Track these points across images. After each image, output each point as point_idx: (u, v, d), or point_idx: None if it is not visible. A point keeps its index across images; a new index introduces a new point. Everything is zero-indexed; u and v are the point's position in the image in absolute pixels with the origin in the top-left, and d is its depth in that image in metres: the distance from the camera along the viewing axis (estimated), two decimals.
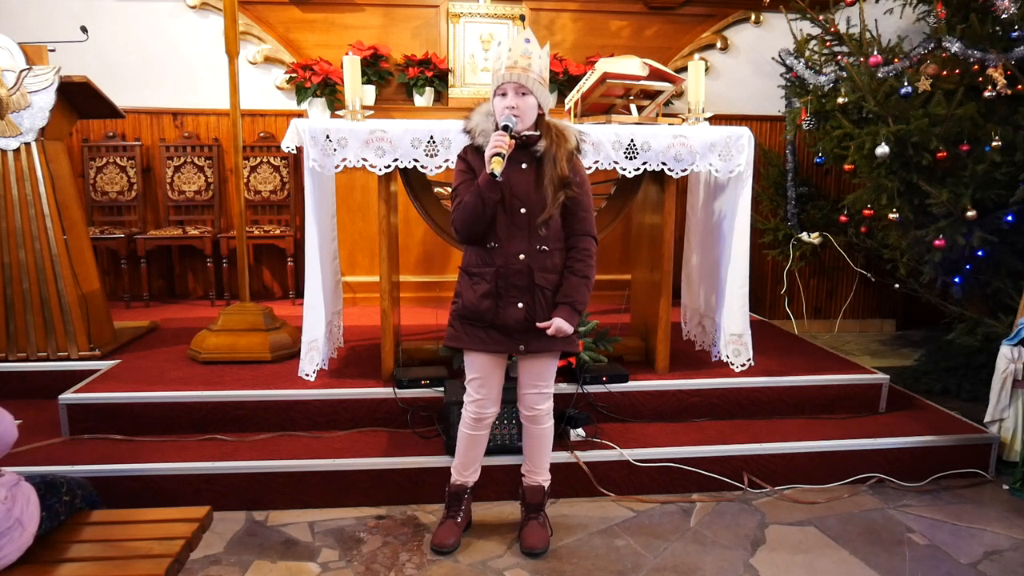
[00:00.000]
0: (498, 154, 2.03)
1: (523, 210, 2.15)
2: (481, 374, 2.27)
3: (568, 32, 4.92)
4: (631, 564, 2.30)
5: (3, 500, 1.55)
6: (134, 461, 2.61)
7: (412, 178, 3.13)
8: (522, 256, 2.16)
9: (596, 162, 2.95)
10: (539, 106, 2.15)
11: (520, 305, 2.17)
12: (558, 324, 2.16)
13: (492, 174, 2.03)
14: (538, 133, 2.17)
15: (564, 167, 2.15)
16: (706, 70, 3.63)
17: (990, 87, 3.14)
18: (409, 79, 4.64)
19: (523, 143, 2.16)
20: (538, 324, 2.17)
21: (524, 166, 2.17)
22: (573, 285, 2.19)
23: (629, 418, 3.04)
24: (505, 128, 2.07)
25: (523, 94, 2.10)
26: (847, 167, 3.73)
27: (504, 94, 2.11)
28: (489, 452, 2.63)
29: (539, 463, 2.40)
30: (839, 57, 3.90)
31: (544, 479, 2.42)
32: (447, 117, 3.66)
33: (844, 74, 3.69)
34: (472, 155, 2.21)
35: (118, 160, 4.71)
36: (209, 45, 4.71)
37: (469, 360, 2.29)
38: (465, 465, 2.41)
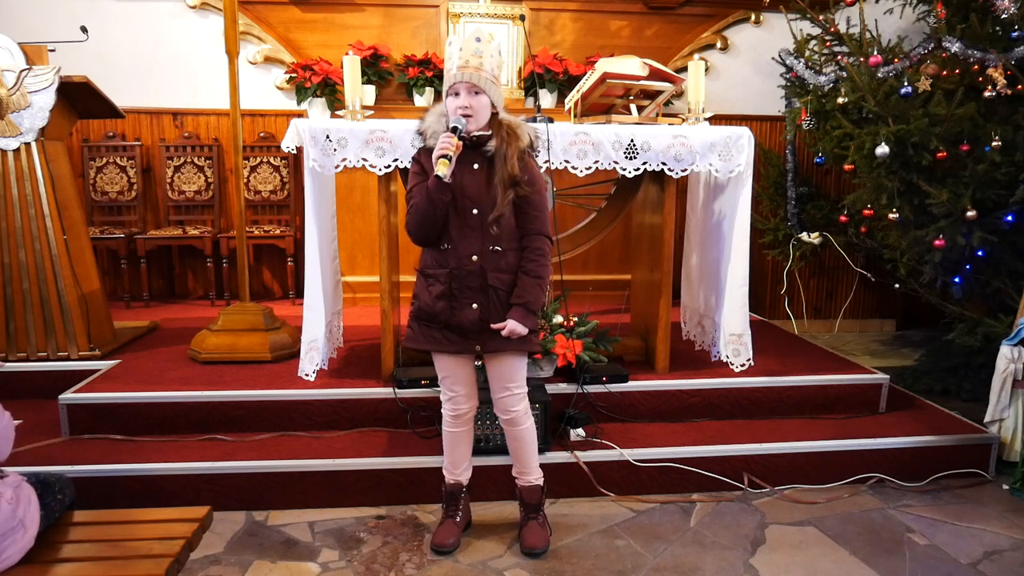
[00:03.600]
0: (444, 156, 2.03)
1: (475, 211, 2.15)
2: (448, 372, 2.29)
3: (568, 32, 4.92)
4: (631, 564, 2.30)
5: (8, 501, 1.55)
6: (134, 461, 2.61)
7: None
8: (475, 257, 2.15)
9: (596, 162, 2.95)
10: (492, 105, 2.15)
11: (474, 306, 2.17)
12: (511, 326, 2.16)
13: (438, 176, 2.04)
14: (489, 133, 2.16)
15: (515, 165, 2.13)
16: (706, 70, 3.63)
17: (990, 87, 3.15)
18: (409, 79, 4.64)
19: (474, 143, 2.15)
20: (492, 325, 2.17)
21: (476, 167, 2.16)
22: (526, 286, 2.18)
23: (629, 418, 3.04)
24: (454, 130, 2.07)
25: (476, 93, 2.10)
26: (847, 167, 3.74)
27: (457, 94, 2.11)
28: (487, 452, 2.64)
29: (527, 464, 2.39)
30: (839, 57, 3.90)
31: (536, 478, 2.41)
32: None
33: (844, 74, 3.68)
34: (425, 157, 2.19)
35: (118, 160, 4.71)
36: (209, 45, 4.71)
37: (435, 360, 2.31)
38: (455, 463, 2.41)
